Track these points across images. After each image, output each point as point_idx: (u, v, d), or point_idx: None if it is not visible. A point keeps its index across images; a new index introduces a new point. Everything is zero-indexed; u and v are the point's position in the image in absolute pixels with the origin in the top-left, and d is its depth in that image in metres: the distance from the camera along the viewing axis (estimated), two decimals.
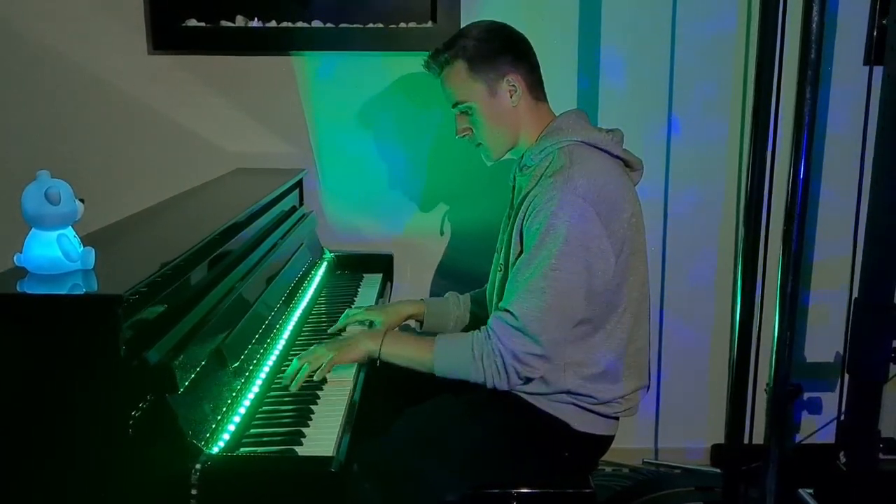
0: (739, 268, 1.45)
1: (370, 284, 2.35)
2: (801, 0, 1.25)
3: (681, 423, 2.74)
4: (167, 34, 2.42)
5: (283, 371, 1.68)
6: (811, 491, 2.25)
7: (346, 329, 1.93)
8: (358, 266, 2.47)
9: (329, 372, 1.65)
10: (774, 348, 1.38)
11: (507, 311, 1.59)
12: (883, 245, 1.63)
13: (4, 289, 1.21)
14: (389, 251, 2.51)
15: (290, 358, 1.75)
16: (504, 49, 1.74)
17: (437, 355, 1.64)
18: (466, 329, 2.03)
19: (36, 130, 2.49)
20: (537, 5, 2.43)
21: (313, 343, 1.87)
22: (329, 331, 1.94)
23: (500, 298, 1.73)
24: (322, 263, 2.38)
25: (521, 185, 1.77)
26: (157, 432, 1.22)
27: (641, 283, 1.73)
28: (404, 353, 1.69)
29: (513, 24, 1.84)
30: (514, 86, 1.74)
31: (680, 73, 2.48)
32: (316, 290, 2.19)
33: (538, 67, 1.80)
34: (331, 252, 2.46)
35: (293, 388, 1.59)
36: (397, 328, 2.00)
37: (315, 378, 1.62)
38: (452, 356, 1.64)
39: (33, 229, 1.25)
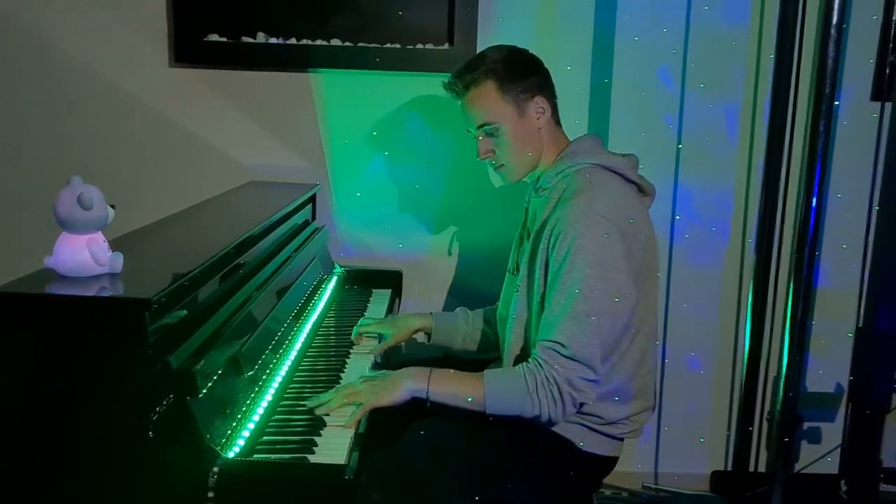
0: (750, 296, 1.48)
1: (379, 300, 2.38)
2: (816, 35, 1.29)
3: (681, 449, 2.75)
4: (189, 48, 2.46)
5: (295, 381, 1.71)
6: None
7: (355, 338, 1.98)
8: (367, 281, 2.50)
9: (361, 417, 1.55)
10: (783, 373, 1.41)
11: (555, 341, 1.57)
12: (887, 276, 1.66)
13: (35, 289, 1.24)
14: (399, 268, 2.54)
15: (301, 369, 1.78)
16: (533, 71, 1.78)
17: (489, 392, 1.59)
18: (478, 348, 2.06)
19: (60, 139, 2.53)
20: (552, 28, 2.48)
21: (323, 355, 1.91)
22: (353, 336, 1.99)
23: (520, 322, 1.74)
24: (332, 278, 2.41)
25: (535, 207, 1.79)
26: (177, 435, 1.25)
27: (653, 305, 1.76)
28: (453, 391, 1.62)
29: (528, 46, 1.88)
30: (542, 107, 1.77)
31: (690, 100, 2.52)
32: (326, 303, 2.22)
33: (555, 94, 1.84)
34: (341, 267, 2.49)
35: (319, 412, 1.54)
36: (434, 367, 1.98)
37: (346, 424, 1.52)
38: (505, 391, 1.59)
39: (64, 233, 1.28)
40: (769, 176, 1.46)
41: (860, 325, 1.73)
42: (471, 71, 1.77)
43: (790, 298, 1.39)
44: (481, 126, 1.78)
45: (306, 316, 2.03)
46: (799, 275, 1.34)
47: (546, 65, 1.86)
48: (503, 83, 1.75)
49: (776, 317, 1.78)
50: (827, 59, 1.25)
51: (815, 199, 1.34)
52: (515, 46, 1.84)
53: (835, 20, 1.21)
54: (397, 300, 2.47)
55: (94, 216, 1.26)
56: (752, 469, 1.66)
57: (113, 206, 1.29)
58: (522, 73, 1.77)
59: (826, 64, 1.25)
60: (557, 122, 1.83)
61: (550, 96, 1.80)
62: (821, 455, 2.13)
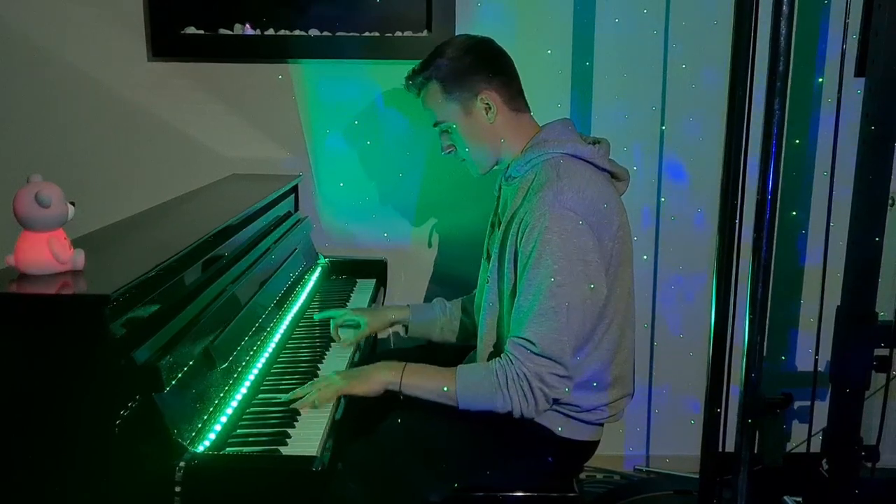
0: (714, 278, 1.47)
1: (363, 289, 2.38)
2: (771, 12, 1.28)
3: (673, 432, 2.75)
4: (167, 41, 2.45)
5: (273, 373, 1.72)
6: (799, 499, 2.27)
7: (334, 331, 1.96)
8: (352, 271, 2.50)
9: (332, 400, 1.58)
10: (744, 354, 1.41)
11: (524, 338, 1.58)
12: (864, 254, 1.65)
13: None
14: (384, 257, 2.54)
15: (280, 360, 1.79)
16: (476, 67, 1.76)
17: (461, 388, 1.60)
18: (457, 339, 2.05)
19: (37, 134, 2.53)
20: (532, 12, 2.46)
21: (305, 345, 1.91)
22: (315, 317, 2.00)
23: (492, 312, 1.74)
24: (316, 268, 2.41)
25: (506, 195, 1.79)
26: (143, 431, 1.25)
27: (628, 293, 1.74)
28: (426, 384, 1.64)
29: (506, 32, 1.87)
30: (488, 104, 1.75)
31: (672, 81, 2.51)
32: (309, 294, 2.22)
33: (517, 79, 1.81)
34: (325, 257, 2.49)
35: (296, 406, 1.55)
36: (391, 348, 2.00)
37: (316, 404, 1.55)
38: (476, 387, 1.61)
39: (24, 231, 1.28)
40: (730, 155, 1.45)
41: (831, 304, 1.73)
42: (418, 74, 1.80)
43: (750, 279, 1.38)
44: (435, 125, 1.82)
45: (287, 307, 2.03)
46: (758, 255, 1.33)
47: (526, 49, 1.86)
48: (445, 84, 1.76)
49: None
50: (779, 37, 1.23)
51: (770, 178, 1.32)
52: (471, 38, 1.82)
53: None
54: (382, 289, 2.47)
55: (54, 214, 1.26)
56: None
57: (73, 203, 1.29)
58: (466, 71, 1.75)
59: (779, 41, 1.24)
60: (519, 110, 1.80)
61: (503, 86, 1.77)
62: (808, 434, 2.12)
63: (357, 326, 2.00)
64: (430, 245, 2.61)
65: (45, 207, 1.24)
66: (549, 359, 1.57)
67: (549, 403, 1.62)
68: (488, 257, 1.83)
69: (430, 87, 1.78)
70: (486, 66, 1.77)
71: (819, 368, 2.59)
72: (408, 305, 2.09)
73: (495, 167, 1.84)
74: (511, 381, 1.58)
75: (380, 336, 2.14)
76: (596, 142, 1.77)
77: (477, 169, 1.84)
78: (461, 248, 2.59)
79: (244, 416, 1.51)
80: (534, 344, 1.57)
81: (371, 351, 2.07)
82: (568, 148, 1.70)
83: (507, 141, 1.78)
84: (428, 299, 2.61)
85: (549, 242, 1.57)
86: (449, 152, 1.84)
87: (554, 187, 1.61)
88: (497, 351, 1.75)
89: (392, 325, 2.07)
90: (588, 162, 1.71)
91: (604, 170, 1.74)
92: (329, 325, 1.99)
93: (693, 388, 2.71)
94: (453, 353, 2.03)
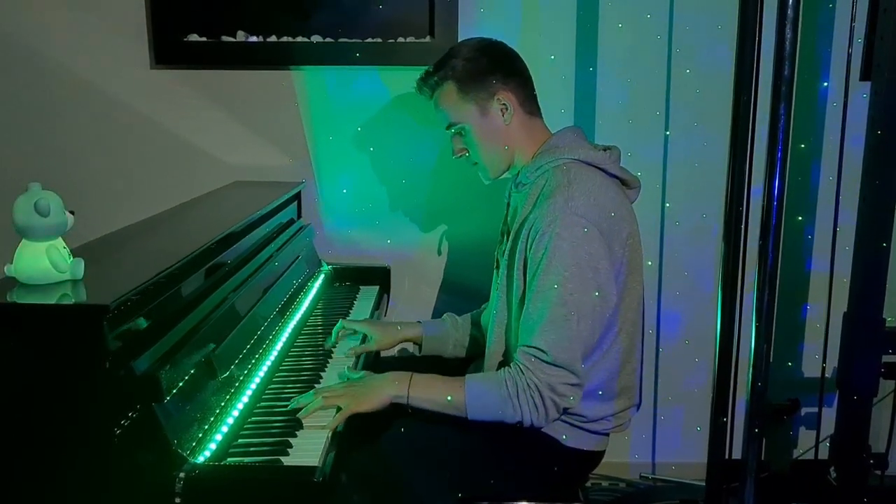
0: (720, 285, 1.46)
1: (366, 297, 2.37)
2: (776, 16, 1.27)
3: (680, 439, 2.73)
4: (169, 49, 2.45)
5: (275, 381, 1.70)
6: None
7: (340, 343, 1.93)
8: (355, 278, 2.49)
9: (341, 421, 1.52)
10: (751, 361, 1.39)
11: (535, 346, 1.55)
12: (871, 259, 1.63)
13: None
14: (387, 264, 2.52)
15: (282, 369, 1.77)
16: (493, 67, 1.73)
17: (470, 398, 1.57)
18: (468, 353, 2.03)
19: (37, 142, 2.53)
20: (535, 17, 2.45)
21: (308, 353, 1.90)
22: (326, 345, 1.93)
23: (500, 322, 1.72)
24: (319, 275, 2.40)
25: (516, 202, 1.77)
26: (142, 441, 1.24)
27: (637, 303, 1.73)
28: (434, 396, 1.60)
29: (509, 38, 1.85)
30: (505, 104, 1.73)
31: (676, 86, 2.49)
32: (312, 301, 2.21)
33: (530, 82, 1.79)
34: (328, 264, 2.48)
35: (301, 415, 1.52)
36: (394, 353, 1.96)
37: (325, 426, 1.49)
38: (486, 398, 1.58)
39: (23, 240, 1.27)
40: (734, 160, 1.44)
41: (843, 310, 1.71)
42: (432, 74, 1.77)
43: (756, 286, 1.37)
44: (448, 127, 1.79)
45: (290, 315, 2.02)
46: (764, 262, 1.32)
47: (530, 55, 1.83)
48: (462, 84, 1.73)
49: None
50: (785, 41, 1.22)
51: (776, 184, 1.31)
52: (484, 40, 1.80)
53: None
54: (385, 296, 2.46)
55: (52, 223, 1.26)
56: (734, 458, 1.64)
57: (72, 212, 1.28)
58: (482, 71, 1.73)
59: (784, 45, 1.23)
60: (532, 113, 1.78)
61: (519, 88, 1.75)
62: (815, 441, 2.10)
63: (361, 338, 1.96)
64: (439, 253, 2.59)
65: (44, 216, 1.24)
66: (561, 367, 1.55)
67: (559, 413, 1.59)
68: (498, 266, 1.81)
69: (445, 88, 1.75)
70: (502, 66, 1.75)
71: (826, 375, 2.59)
72: (419, 322, 2.04)
73: (506, 174, 1.82)
74: (522, 391, 1.56)
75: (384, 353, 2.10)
76: (607, 149, 1.75)
77: (488, 173, 1.81)
78: (465, 255, 2.58)
79: (245, 426, 1.49)
80: (545, 353, 1.55)
81: (375, 355, 2.05)
82: (579, 154, 1.69)
83: (520, 145, 1.76)
84: (432, 306, 2.60)
85: (558, 249, 1.55)
86: (461, 156, 1.81)
87: (564, 193, 1.59)
88: (505, 359, 1.73)
89: (404, 342, 2.03)
90: (599, 168, 1.69)
91: (614, 176, 1.73)
92: (332, 332, 1.97)
93: (699, 395, 2.70)
94: (459, 359, 2.02)
